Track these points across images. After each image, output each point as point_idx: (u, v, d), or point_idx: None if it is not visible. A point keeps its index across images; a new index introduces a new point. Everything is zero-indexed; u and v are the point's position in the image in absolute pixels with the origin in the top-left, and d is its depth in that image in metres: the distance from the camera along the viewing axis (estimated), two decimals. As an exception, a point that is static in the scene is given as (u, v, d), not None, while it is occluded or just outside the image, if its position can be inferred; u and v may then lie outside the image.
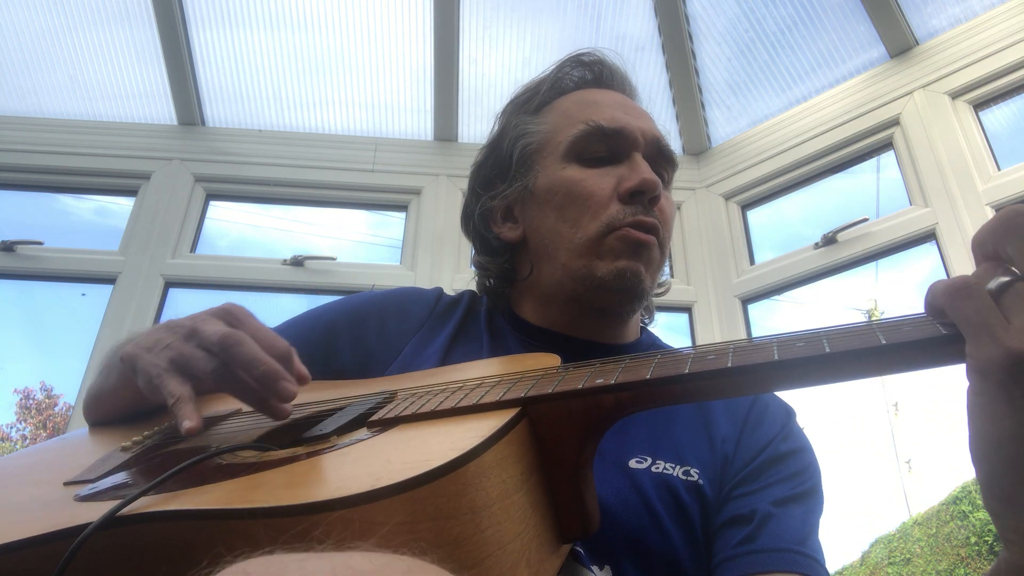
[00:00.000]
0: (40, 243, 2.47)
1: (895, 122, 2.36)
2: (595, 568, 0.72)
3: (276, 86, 2.76)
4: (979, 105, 2.27)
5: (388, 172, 2.64)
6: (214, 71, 2.70)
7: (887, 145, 2.41)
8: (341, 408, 0.71)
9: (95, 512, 0.50)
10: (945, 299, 0.48)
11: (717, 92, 2.73)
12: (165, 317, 2.39)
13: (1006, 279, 0.46)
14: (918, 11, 2.39)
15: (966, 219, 2.08)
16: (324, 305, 1.03)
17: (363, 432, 0.60)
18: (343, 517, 0.44)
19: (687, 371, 0.56)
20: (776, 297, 2.47)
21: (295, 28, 2.70)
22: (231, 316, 0.70)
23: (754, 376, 0.54)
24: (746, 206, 2.65)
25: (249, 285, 2.49)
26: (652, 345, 1.00)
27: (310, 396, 0.83)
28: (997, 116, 2.27)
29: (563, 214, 0.91)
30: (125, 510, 0.50)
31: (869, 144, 2.43)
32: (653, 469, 0.79)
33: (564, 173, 0.92)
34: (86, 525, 0.48)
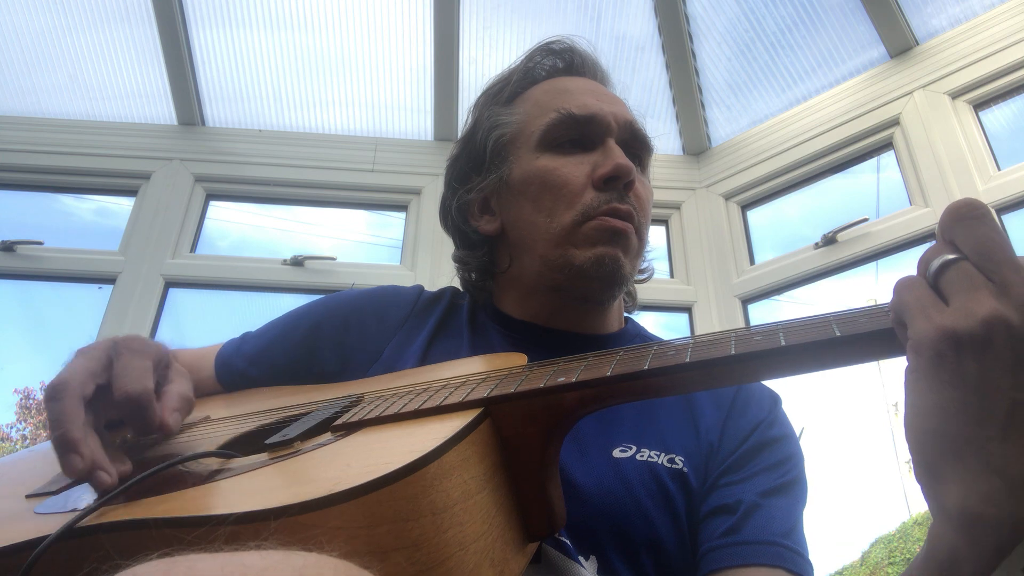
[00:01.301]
0: (40, 243, 2.46)
1: (895, 122, 2.36)
2: (580, 559, 0.72)
3: (276, 86, 2.76)
4: (979, 105, 2.27)
5: (388, 172, 2.64)
6: (214, 71, 2.70)
7: (887, 145, 2.41)
8: (307, 413, 0.71)
9: (53, 525, 0.50)
10: (893, 295, 0.50)
11: (717, 92, 2.73)
12: (165, 317, 2.39)
13: (951, 257, 0.48)
14: (918, 11, 2.39)
15: (966, 219, 2.07)
16: (305, 307, 1.03)
17: (327, 437, 0.61)
18: (299, 522, 0.44)
19: (646, 367, 0.57)
20: (776, 297, 2.47)
21: (295, 28, 2.70)
22: (115, 350, 0.70)
23: (711, 371, 0.55)
24: (746, 206, 2.65)
25: (249, 285, 2.49)
26: (637, 335, 1.00)
27: (279, 401, 0.83)
28: (997, 116, 2.27)
29: (538, 204, 0.90)
30: (83, 522, 0.50)
31: (869, 144, 2.43)
32: (638, 457, 0.80)
33: (538, 163, 0.92)
34: (43, 538, 0.48)
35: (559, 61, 1.02)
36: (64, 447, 0.62)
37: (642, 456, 0.80)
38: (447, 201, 1.04)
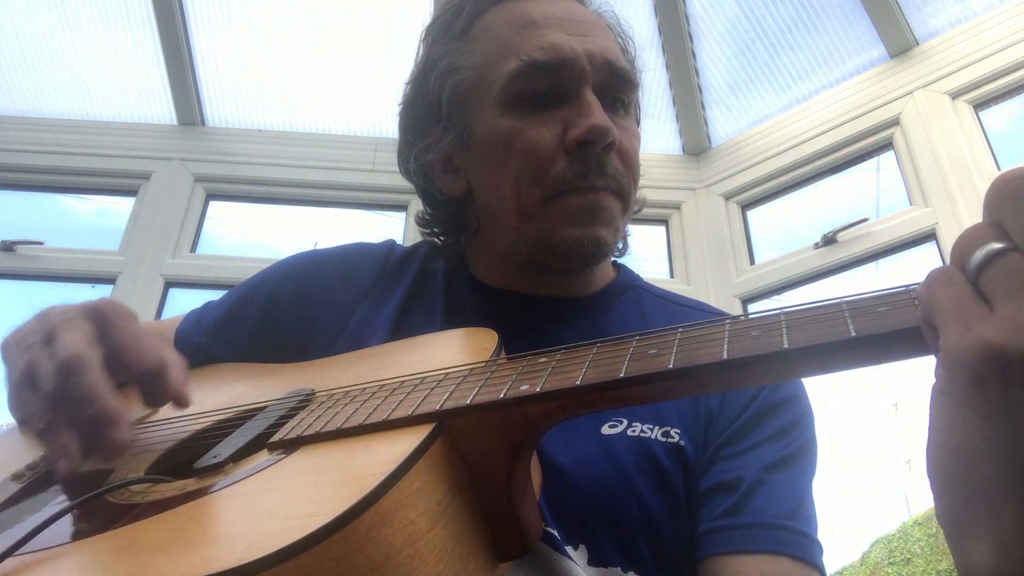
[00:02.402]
0: (40, 243, 2.46)
1: (895, 122, 2.36)
2: (569, 548, 0.67)
3: (276, 86, 2.76)
4: (979, 105, 2.27)
5: (388, 172, 2.64)
6: (214, 71, 2.70)
7: (887, 145, 2.41)
8: (250, 415, 0.66)
9: None
10: (923, 288, 0.41)
11: (717, 92, 2.73)
12: (165, 317, 2.39)
13: (998, 246, 0.38)
14: (918, 11, 2.39)
15: (966, 219, 2.08)
16: (266, 271, 0.94)
17: (262, 457, 0.55)
18: None
19: (623, 375, 0.48)
20: (776, 297, 2.47)
21: (295, 28, 2.70)
22: (101, 317, 0.63)
23: (699, 379, 0.47)
24: (746, 206, 2.65)
25: (249, 285, 2.49)
26: (629, 286, 0.90)
27: (233, 390, 0.78)
28: (997, 116, 2.27)
29: (504, 172, 0.78)
30: None
31: (869, 144, 2.43)
32: (629, 432, 0.72)
33: (501, 123, 0.78)
34: None
35: None
36: (106, 422, 0.57)
37: (633, 431, 0.72)
38: (404, 154, 0.90)
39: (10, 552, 0.47)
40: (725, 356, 0.46)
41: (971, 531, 0.38)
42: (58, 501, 0.60)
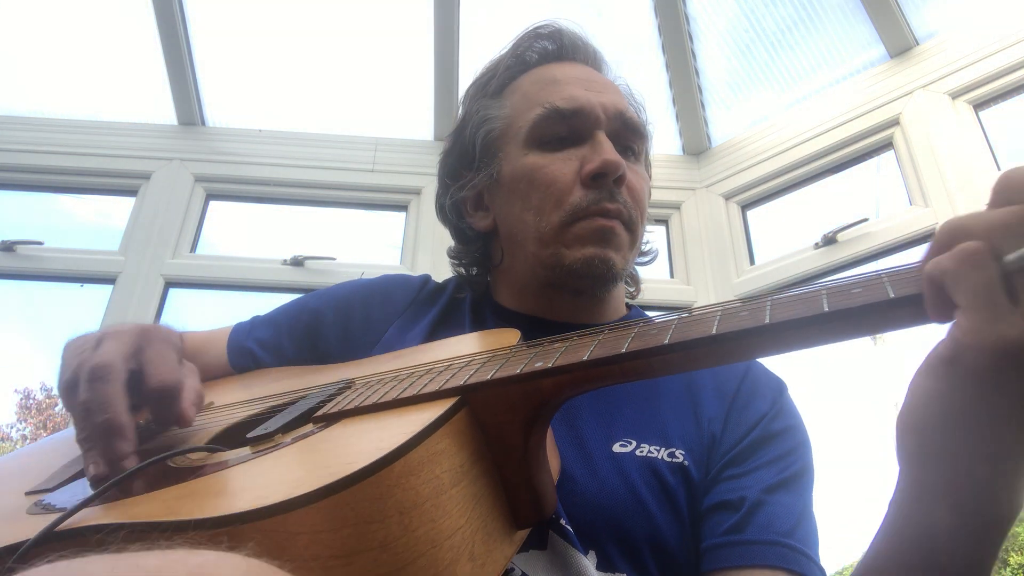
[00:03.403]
0: (40, 243, 2.46)
1: (895, 122, 2.36)
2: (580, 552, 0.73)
3: (276, 86, 2.76)
4: (979, 105, 2.27)
5: (388, 172, 2.64)
6: (214, 71, 2.70)
7: (887, 145, 2.41)
8: (300, 398, 0.72)
9: (42, 525, 0.50)
10: (949, 261, 0.42)
11: (717, 92, 2.73)
12: (165, 317, 2.39)
13: None
14: (918, 11, 2.39)
15: (966, 219, 2.08)
16: (313, 293, 1.05)
17: (308, 428, 0.61)
18: (258, 528, 0.44)
19: (624, 350, 0.54)
20: (776, 297, 2.47)
21: (295, 28, 2.70)
22: (145, 337, 0.70)
23: (693, 353, 0.53)
24: (746, 206, 2.65)
25: (249, 285, 2.49)
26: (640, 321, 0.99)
27: (279, 385, 0.85)
28: (997, 116, 2.27)
29: (528, 203, 0.90)
30: (67, 523, 0.50)
31: (869, 144, 2.43)
32: (637, 453, 0.79)
33: (526, 160, 0.91)
34: (24, 542, 0.48)
35: (549, 44, 1.00)
36: (112, 432, 0.62)
37: (642, 452, 0.79)
38: (441, 198, 1.05)
39: (90, 500, 0.54)
40: (714, 331, 0.52)
41: (930, 494, 0.43)
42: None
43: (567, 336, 0.63)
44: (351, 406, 0.62)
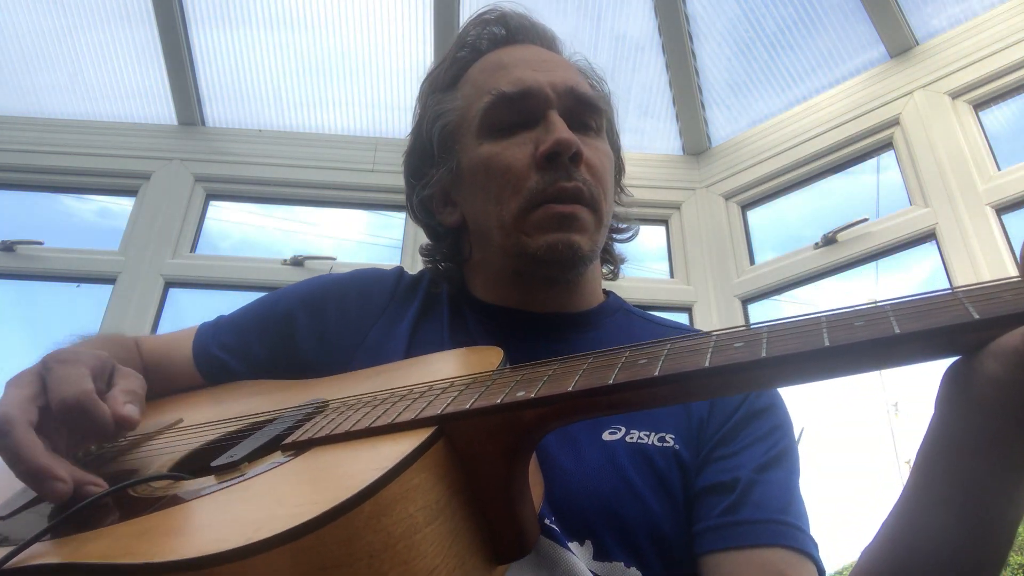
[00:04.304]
0: (40, 243, 2.46)
1: (895, 122, 2.36)
2: (575, 544, 0.72)
3: (276, 86, 2.76)
4: (979, 105, 2.27)
5: (388, 172, 2.64)
6: (214, 71, 2.70)
7: (887, 145, 2.41)
8: (264, 424, 0.69)
9: None
10: None
11: (717, 92, 2.73)
12: (165, 317, 2.39)
13: None
14: (918, 11, 2.39)
15: (966, 219, 2.08)
16: (281, 292, 1.01)
17: (275, 457, 0.58)
18: (215, 574, 0.42)
19: (612, 382, 0.51)
20: (776, 297, 2.47)
21: (295, 28, 2.70)
22: (45, 369, 0.67)
23: (685, 386, 0.50)
24: (746, 206, 2.65)
25: (249, 285, 2.49)
26: (618, 309, 0.97)
27: (251, 403, 0.82)
28: (997, 116, 2.27)
29: (488, 193, 0.88)
30: (13, 561, 0.48)
31: (869, 144, 2.43)
32: (627, 439, 0.79)
33: (481, 150, 0.89)
34: None
35: (497, 28, 0.97)
36: (37, 478, 0.59)
37: (632, 438, 0.79)
38: (409, 198, 1.02)
39: (41, 535, 0.51)
40: (707, 364, 0.49)
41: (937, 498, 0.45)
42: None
43: (551, 361, 0.59)
44: (322, 434, 0.58)
